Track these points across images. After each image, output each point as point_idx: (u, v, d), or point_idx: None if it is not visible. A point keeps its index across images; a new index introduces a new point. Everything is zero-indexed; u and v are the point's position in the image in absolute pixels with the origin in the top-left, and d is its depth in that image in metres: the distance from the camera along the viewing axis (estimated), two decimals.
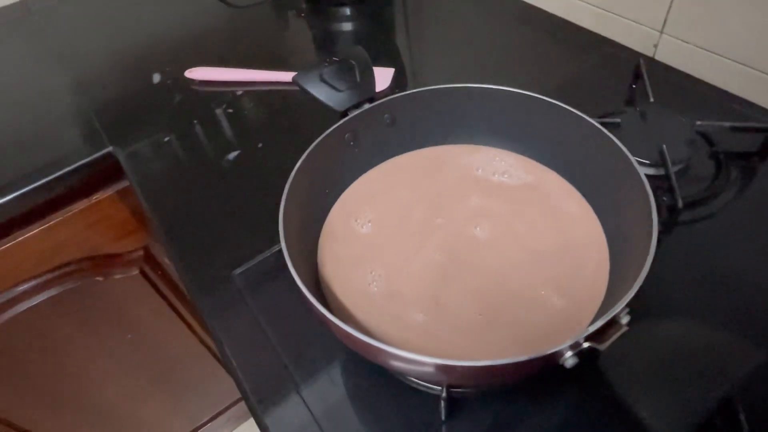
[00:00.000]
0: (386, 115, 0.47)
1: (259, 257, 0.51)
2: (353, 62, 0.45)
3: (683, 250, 0.47)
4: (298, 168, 0.40)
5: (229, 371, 0.45)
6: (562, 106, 0.43)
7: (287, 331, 0.45)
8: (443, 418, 0.39)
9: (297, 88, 0.43)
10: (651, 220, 0.34)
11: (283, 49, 0.84)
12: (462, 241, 0.43)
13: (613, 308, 0.29)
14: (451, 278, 0.41)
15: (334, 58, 0.45)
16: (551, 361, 0.29)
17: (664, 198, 0.49)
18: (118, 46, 0.85)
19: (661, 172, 0.51)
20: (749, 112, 0.59)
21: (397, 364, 0.32)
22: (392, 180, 0.48)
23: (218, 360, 0.98)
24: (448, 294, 0.40)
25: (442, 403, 0.38)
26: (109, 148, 0.67)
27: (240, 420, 1.20)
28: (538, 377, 0.40)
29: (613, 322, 0.29)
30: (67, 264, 0.73)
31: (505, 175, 0.48)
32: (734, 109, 0.59)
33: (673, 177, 0.48)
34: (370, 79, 0.45)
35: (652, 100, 0.58)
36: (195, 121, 0.69)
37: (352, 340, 0.32)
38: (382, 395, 0.41)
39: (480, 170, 0.49)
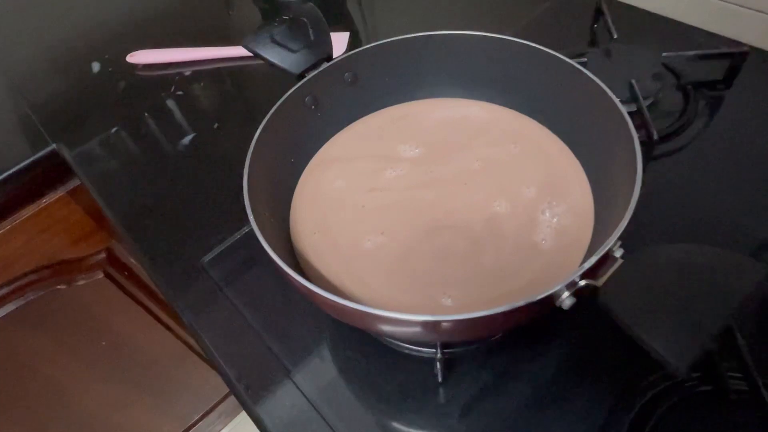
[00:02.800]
0: (346, 74, 0.44)
1: (229, 241, 0.48)
2: (305, 20, 0.42)
3: (663, 183, 0.46)
4: (258, 138, 0.38)
5: (212, 365, 0.43)
6: (533, 46, 0.41)
7: (269, 315, 0.43)
8: (440, 380, 0.37)
9: (248, 62, 0.40)
10: (634, 152, 0.33)
11: (229, 24, 0.80)
12: (449, 188, 0.42)
13: (607, 242, 0.28)
14: (438, 228, 0.39)
15: (284, 17, 0.42)
16: (548, 303, 0.27)
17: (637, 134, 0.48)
18: (49, 36, 0.79)
19: (632, 108, 0.50)
20: (711, 41, 0.58)
21: (387, 327, 0.30)
22: (361, 142, 0.46)
23: (199, 356, 0.95)
24: (436, 246, 0.38)
25: (438, 365, 0.37)
26: (53, 146, 0.62)
27: (232, 414, 1.18)
28: (535, 325, 0.39)
29: (607, 257, 0.28)
30: (25, 275, 0.68)
31: (482, 125, 0.46)
32: (696, 40, 0.59)
33: (646, 111, 0.47)
34: (325, 37, 0.42)
35: (615, 36, 0.57)
36: (143, 108, 0.64)
37: (337, 309, 0.30)
38: (375, 367, 0.39)
39: (456, 123, 0.46)
